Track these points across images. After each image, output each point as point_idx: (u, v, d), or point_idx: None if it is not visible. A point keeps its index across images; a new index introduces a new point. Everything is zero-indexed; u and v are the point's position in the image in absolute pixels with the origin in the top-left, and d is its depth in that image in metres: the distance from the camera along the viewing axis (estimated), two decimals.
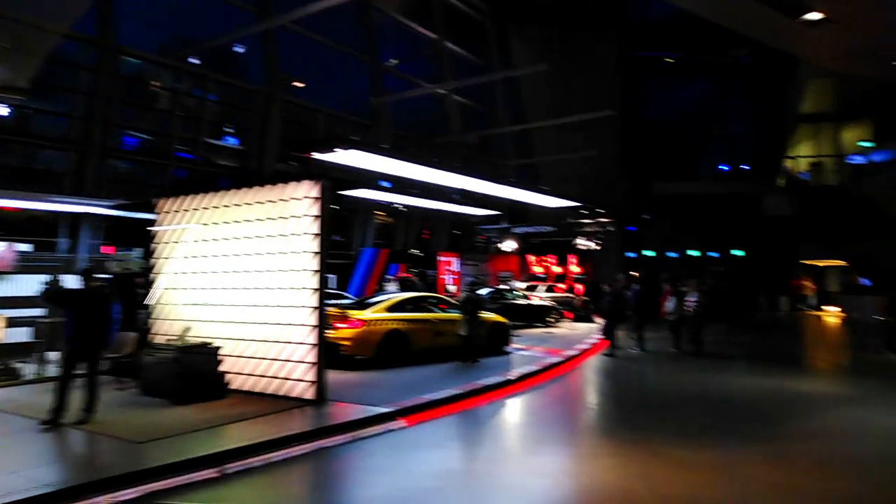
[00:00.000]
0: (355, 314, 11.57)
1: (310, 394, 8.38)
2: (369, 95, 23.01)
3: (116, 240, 15.17)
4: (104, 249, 15.04)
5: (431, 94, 25.73)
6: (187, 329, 8.97)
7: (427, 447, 7.01)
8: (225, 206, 9.80)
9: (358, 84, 23.36)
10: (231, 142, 19.93)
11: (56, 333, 9.41)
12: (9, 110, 14.42)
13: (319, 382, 8.39)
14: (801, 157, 36.03)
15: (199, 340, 8.79)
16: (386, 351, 11.44)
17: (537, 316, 19.55)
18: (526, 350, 14.18)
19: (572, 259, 25.59)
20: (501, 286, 21.54)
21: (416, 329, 12.10)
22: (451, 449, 7.25)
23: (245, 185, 9.70)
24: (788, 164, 35.04)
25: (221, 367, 8.85)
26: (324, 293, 8.56)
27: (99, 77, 15.11)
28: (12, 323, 9.92)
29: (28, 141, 15.11)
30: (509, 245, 26.42)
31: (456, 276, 22.58)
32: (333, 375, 9.25)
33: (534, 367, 11.72)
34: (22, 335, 10.15)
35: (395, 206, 22.26)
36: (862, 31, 16.78)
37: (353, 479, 6.30)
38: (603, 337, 15.06)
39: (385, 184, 18.31)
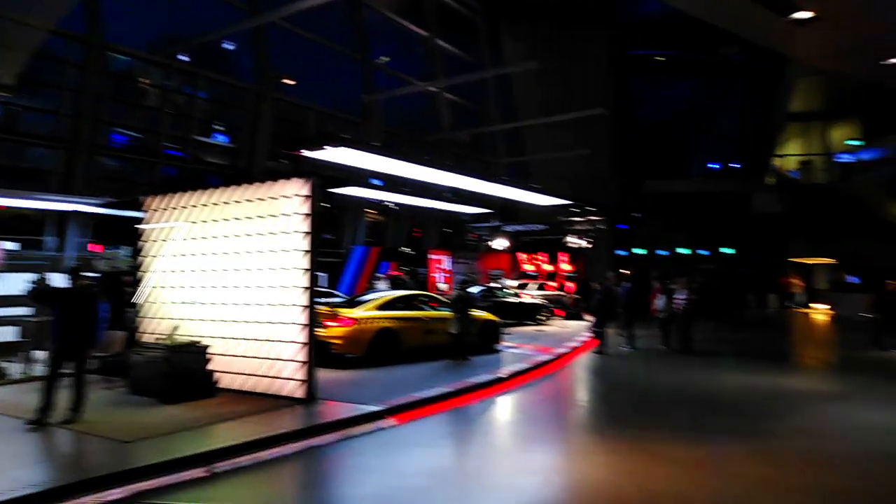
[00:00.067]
0: (346, 312, 11.54)
1: (300, 392, 8.35)
2: (360, 93, 22.96)
3: (104, 238, 15.06)
4: (92, 247, 14.93)
5: (422, 91, 25.72)
6: (176, 328, 8.91)
7: (417, 446, 7.00)
8: (214, 203, 9.74)
9: (349, 81, 23.32)
10: (221, 139, 19.83)
11: (43, 332, 9.32)
12: None
13: (309, 381, 8.36)
14: (791, 155, 36.28)
15: (187, 339, 8.74)
16: (376, 349, 11.42)
17: (528, 314, 19.57)
18: (517, 348, 14.19)
19: (563, 257, 25.64)
20: (492, 284, 21.55)
21: (406, 327, 12.08)
22: (442, 447, 7.24)
23: (234, 182, 9.64)
24: (778, 162, 35.26)
25: (210, 366, 8.80)
26: (314, 291, 8.53)
27: (87, 74, 14.99)
28: None
29: (15, 139, 14.97)
30: (500, 243, 26.43)
31: (447, 275, 22.57)
32: (323, 374, 9.22)
33: (524, 365, 11.74)
34: (8, 334, 10.07)
35: (386, 204, 22.22)
36: (851, 31, 16.88)
37: (343, 478, 6.28)
38: (593, 335, 15.10)
39: (376, 182, 18.27)
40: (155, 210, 10.54)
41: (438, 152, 25.37)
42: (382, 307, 12.06)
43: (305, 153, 10.00)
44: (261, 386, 8.75)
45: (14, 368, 9.77)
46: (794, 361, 15.20)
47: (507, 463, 6.63)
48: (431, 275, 22.09)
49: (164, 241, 10.25)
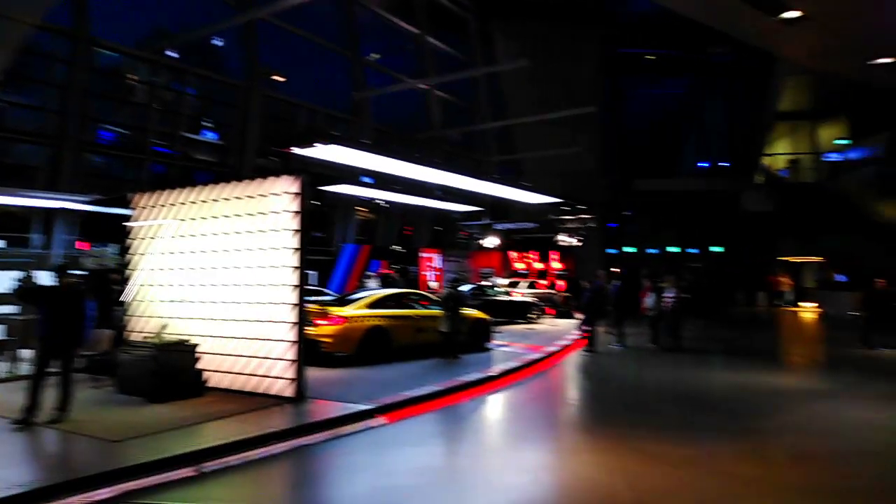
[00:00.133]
0: (336, 311, 11.50)
1: (289, 391, 8.31)
2: (351, 90, 22.88)
3: (92, 235, 14.94)
4: (80, 245, 14.81)
5: (413, 89, 25.66)
6: (164, 326, 8.85)
7: (407, 444, 6.99)
8: (203, 201, 9.67)
9: (339, 78, 23.23)
10: (210, 136, 19.70)
11: (29, 331, 9.22)
12: None
13: (299, 380, 8.32)
14: (779, 154, 36.52)
15: (176, 338, 8.68)
16: (367, 348, 11.39)
17: (519, 312, 19.59)
18: (507, 346, 14.20)
19: (554, 255, 25.69)
20: (483, 282, 21.56)
21: (397, 326, 12.06)
22: (432, 446, 7.24)
23: (223, 180, 9.58)
24: (766, 161, 35.48)
25: (199, 365, 8.74)
26: (303, 290, 8.49)
27: (74, 70, 14.84)
28: None
29: (1, 135, 14.79)
30: (491, 241, 26.45)
31: (438, 273, 22.56)
32: (313, 373, 9.20)
33: (515, 364, 11.75)
34: None
35: (377, 202, 22.17)
36: (838, 31, 16.99)
37: (333, 478, 6.25)
38: (582, 333, 15.14)
39: (366, 179, 18.22)
40: (143, 207, 10.45)
41: (429, 150, 25.34)
42: (373, 305, 12.03)
43: (296, 150, 9.96)
44: (250, 385, 8.70)
45: (0, 367, 9.67)
46: (782, 359, 15.30)
47: (498, 461, 6.63)
48: (422, 273, 22.08)
49: (152, 238, 10.17)
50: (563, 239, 24.97)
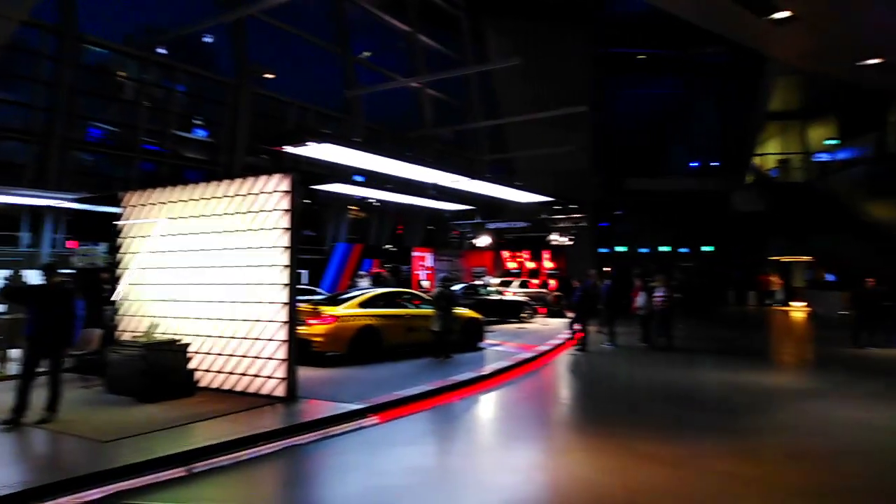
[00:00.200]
0: (327, 310, 11.46)
1: (280, 391, 8.28)
2: (342, 88, 22.80)
3: (82, 234, 14.82)
4: (70, 244, 14.69)
5: (405, 87, 25.61)
6: (154, 325, 8.79)
7: (399, 444, 6.97)
8: (193, 199, 9.61)
9: (330, 77, 23.15)
10: (200, 134, 19.59)
11: (17, 330, 9.14)
12: None
13: (290, 379, 8.29)
14: (770, 154, 36.76)
15: (166, 337, 8.63)
16: (358, 347, 11.36)
17: (511, 311, 19.60)
18: (499, 346, 14.21)
19: (546, 254, 25.73)
20: (475, 282, 21.56)
21: (389, 325, 12.04)
22: (424, 445, 7.22)
23: (214, 178, 9.53)
24: (757, 161, 35.69)
25: (190, 365, 8.69)
26: (295, 288, 8.45)
27: (61, 66, 14.71)
28: None
29: None
30: (483, 240, 26.46)
31: (430, 272, 22.54)
32: (305, 372, 9.15)
33: (507, 363, 11.75)
34: None
35: (369, 200, 22.13)
36: (828, 32, 17.12)
37: (324, 477, 6.23)
38: (571, 332, 15.17)
39: (359, 178, 18.18)
40: (133, 206, 10.37)
41: (421, 149, 25.30)
42: (364, 304, 12.00)
43: (288, 149, 9.93)
44: (241, 384, 8.66)
45: None
46: (772, 358, 15.39)
47: (490, 461, 6.62)
48: (414, 272, 22.05)
49: (142, 237, 10.09)
50: (555, 238, 25.02)
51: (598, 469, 6.06)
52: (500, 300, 19.71)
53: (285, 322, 8.35)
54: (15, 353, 9.31)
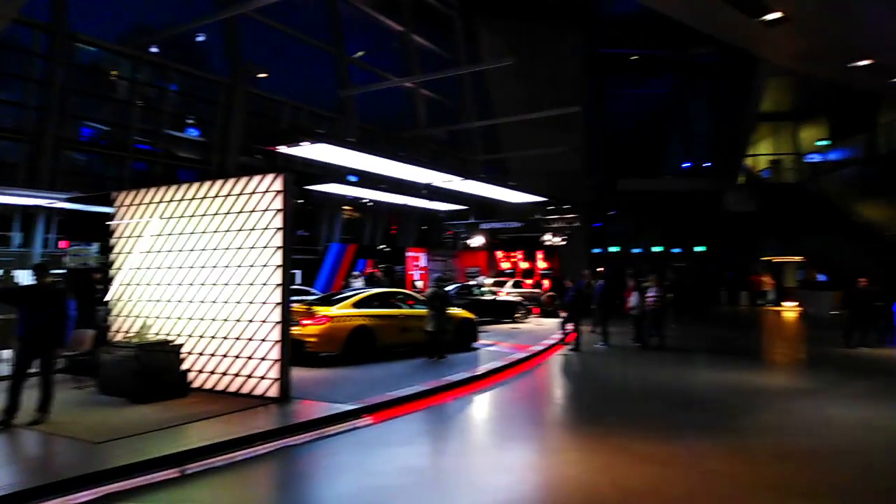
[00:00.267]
0: (321, 310, 11.45)
1: (274, 391, 8.26)
2: (336, 88, 22.76)
3: (73, 234, 14.74)
4: (63, 244, 14.61)
5: (399, 87, 25.59)
6: (147, 326, 8.76)
7: (393, 444, 6.97)
8: (186, 199, 9.58)
9: (324, 76, 23.10)
10: (193, 133, 19.51)
11: (8, 331, 9.08)
12: None
13: (283, 380, 8.28)
14: (762, 154, 36.92)
15: (159, 337, 8.59)
16: (352, 347, 11.35)
17: (504, 312, 19.63)
18: (493, 346, 14.23)
19: (540, 255, 25.77)
20: (469, 282, 21.57)
21: (382, 325, 12.04)
22: (418, 446, 7.22)
23: (207, 178, 9.50)
24: (749, 161, 35.84)
25: (183, 365, 8.66)
26: (288, 288, 8.44)
27: (52, 65, 14.62)
28: None
29: None
30: (477, 241, 26.48)
31: (423, 272, 22.54)
32: (298, 373, 9.14)
33: (500, 363, 11.77)
34: None
35: (363, 200, 22.11)
36: (819, 33, 17.22)
37: (318, 478, 6.22)
38: (563, 332, 15.19)
39: (352, 178, 18.15)
40: (126, 206, 10.34)
41: (415, 149, 25.29)
42: (358, 305, 12.00)
43: (281, 149, 9.91)
44: (234, 385, 8.64)
45: None
46: (764, 358, 15.47)
47: (483, 461, 6.63)
48: (408, 272, 22.04)
49: (135, 237, 10.06)
50: (549, 238, 25.06)
51: (590, 469, 6.08)
52: (494, 300, 19.73)
53: (279, 322, 8.33)
54: (6, 353, 9.24)
